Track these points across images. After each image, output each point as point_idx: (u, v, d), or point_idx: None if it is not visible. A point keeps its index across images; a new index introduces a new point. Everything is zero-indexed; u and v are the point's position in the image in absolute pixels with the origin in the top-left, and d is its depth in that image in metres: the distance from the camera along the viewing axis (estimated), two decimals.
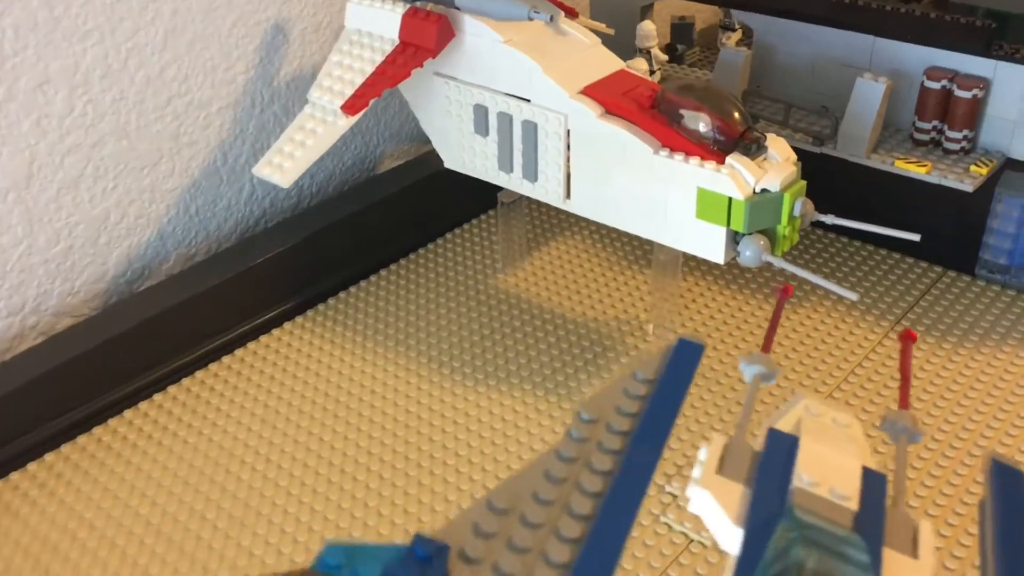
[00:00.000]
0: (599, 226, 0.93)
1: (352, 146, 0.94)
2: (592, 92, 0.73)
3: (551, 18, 0.70)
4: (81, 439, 0.71)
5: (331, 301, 0.84)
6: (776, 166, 0.67)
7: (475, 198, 0.83)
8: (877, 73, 0.81)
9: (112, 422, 0.72)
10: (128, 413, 0.73)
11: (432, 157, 0.82)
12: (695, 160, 0.67)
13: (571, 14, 0.87)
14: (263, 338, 0.80)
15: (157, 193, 0.79)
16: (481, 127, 0.78)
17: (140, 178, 0.78)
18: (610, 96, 0.72)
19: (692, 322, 0.82)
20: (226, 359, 0.78)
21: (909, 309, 0.82)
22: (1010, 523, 0.36)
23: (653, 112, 0.70)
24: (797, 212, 0.67)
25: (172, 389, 0.75)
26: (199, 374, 0.76)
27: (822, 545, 0.33)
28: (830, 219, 0.70)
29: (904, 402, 0.45)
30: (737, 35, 1.07)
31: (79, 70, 0.71)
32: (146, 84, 0.75)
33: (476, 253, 0.91)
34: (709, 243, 0.69)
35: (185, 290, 0.78)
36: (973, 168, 0.78)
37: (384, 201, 0.90)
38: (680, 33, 1.01)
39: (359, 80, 0.75)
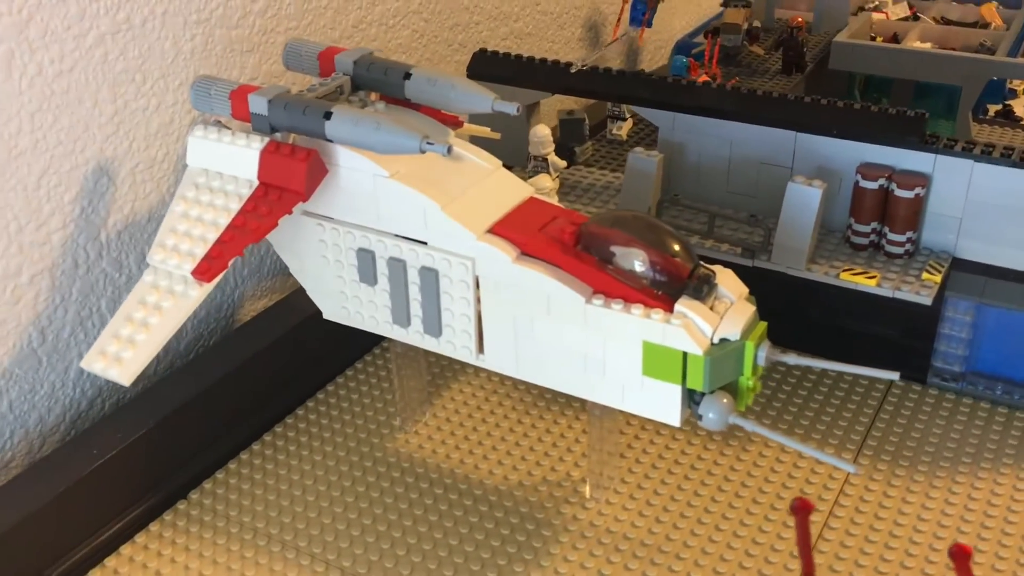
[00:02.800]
0: None
1: (223, 292, 0.78)
2: (502, 230, 0.60)
3: (448, 149, 0.57)
4: None
5: (193, 496, 0.68)
6: (733, 309, 0.56)
7: (361, 333, 0.69)
8: (803, 173, 0.72)
9: None
10: None
11: (302, 292, 0.68)
12: (638, 309, 0.56)
13: (455, 124, 0.75)
14: (109, 561, 0.63)
15: None
16: (368, 275, 0.65)
17: None
18: (525, 233, 0.60)
19: (634, 475, 0.70)
20: None
21: (869, 427, 0.73)
22: None
23: (578, 251, 0.59)
24: (760, 361, 0.57)
25: None
26: None
27: None
28: (793, 359, 0.60)
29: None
30: (628, 125, 0.98)
31: None
32: None
33: (368, 407, 0.77)
34: (661, 404, 0.58)
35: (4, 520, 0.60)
36: (926, 276, 0.70)
37: (252, 360, 0.74)
38: (570, 130, 0.91)
39: (212, 236, 0.60)
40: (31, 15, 0.61)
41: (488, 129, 0.82)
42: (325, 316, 0.69)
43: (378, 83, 0.66)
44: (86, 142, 0.66)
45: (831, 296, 0.72)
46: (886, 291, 0.70)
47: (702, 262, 0.58)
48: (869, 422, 0.74)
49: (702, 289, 0.57)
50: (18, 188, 0.63)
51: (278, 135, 0.62)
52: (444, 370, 0.80)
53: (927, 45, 1.27)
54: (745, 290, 0.59)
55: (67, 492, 0.62)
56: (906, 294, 0.69)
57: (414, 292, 0.63)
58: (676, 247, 0.58)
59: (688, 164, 0.80)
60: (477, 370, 0.80)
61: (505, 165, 0.67)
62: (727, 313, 0.56)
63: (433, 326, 0.64)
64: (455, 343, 0.64)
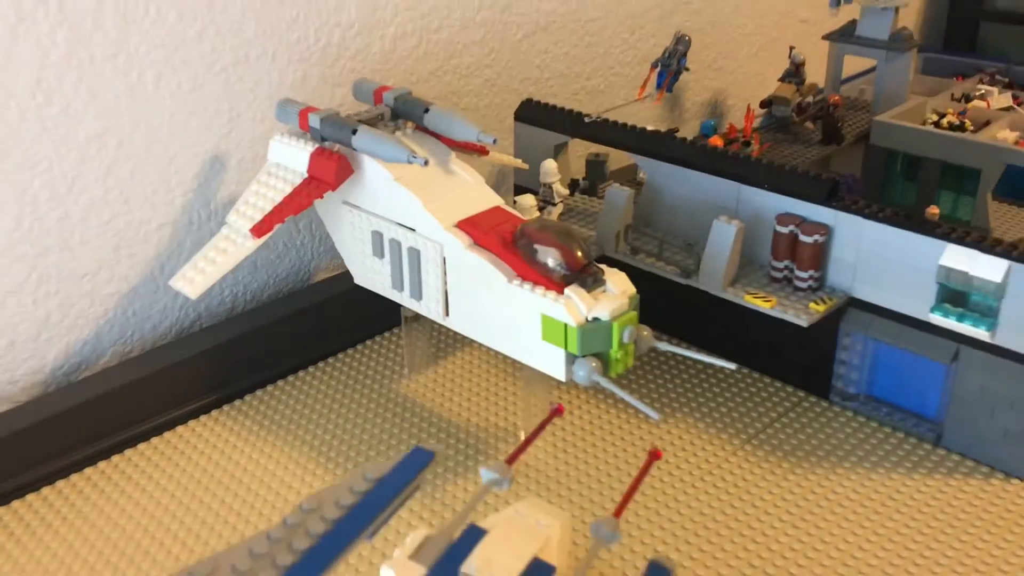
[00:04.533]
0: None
1: (287, 260, 1.05)
2: (464, 226, 0.83)
3: (425, 162, 0.81)
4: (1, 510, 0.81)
5: (247, 398, 0.95)
6: (609, 298, 0.76)
7: (391, 311, 0.93)
8: (738, 216, 0.91)
9: (29, 497, 0.82)
10: (45, 490, 0.83)
11: None
12: (540, 289, 0.77)
13: (481, 152, 0.99)
14: (168, 435, 0.90)
15: (97, 297, 0.91)
16: (378, 250, 0.89)
17: (81, 284, 0.90)
18: (479, 230, 0.83)
19: (560, 429, 0.90)
20: (141, 446, 0.88)
21: (763, 429, 0.90)
22: None
23: (513, 246, 0.81)
24: (627, 339, 0.76)
25: (88, 471, 0.85)
26: (115, 458, 0.86)
27: None
28: (664, 346, 0.79)
29: (619, 510, 0.53)
30: (557, 210, 1.17)
31: (27, 193, 0.83)
32: (90, 205, 0.88)
33: (388, 360, 1.01)
34: (552, 362, 0.78)
35: (114, 382, 0.88)
36: (812, 305, 0.87)
37: (308, 310, 1.01)
38: (594, 169, 1.12)
39: (269, 207, 0.87)
40: (177, 47, 0.90)
41: (518, 160, 1.06)
42: (355, 281, 0.94)
43: (408, 114, 0.91)
44: (207, 138, 0.95)
45: (739, 313, 0.89)
46: (776, 312, 0.87)
47: (596, 264, 0.79)
48: (764, 425, 0.91)
49: (587, 281, 0.77)
50: (157, 165, 0.92)
51: (326, 143, 0.88)
52: (441, 343, 1.04)
53: (1014, 135, 1.36)
54: (630, 289, 0.78)
55: (161, 372, 0.90)
56: (789, 316, 0.86)
57: (405, 265, 0.87)
58: (577, 251, 0.78)
59: (663, 202, 1.00)
60: (464, 345, 1.03)
61: (528, 188, 0.90)
62: (602, 300, 0.76)
63: (416, 292, 0.87)
64: (430, 306, 0.87)
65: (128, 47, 0.86)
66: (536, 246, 0.79)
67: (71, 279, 0.89)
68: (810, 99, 1.38)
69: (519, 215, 0.86)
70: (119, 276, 0.92)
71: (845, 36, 1.43)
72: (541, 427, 0.59)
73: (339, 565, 0.45)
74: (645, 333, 0.78)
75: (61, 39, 0.82)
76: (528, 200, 0.97)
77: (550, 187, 1.03)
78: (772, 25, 1.60)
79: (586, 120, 1.05)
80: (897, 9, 1.39)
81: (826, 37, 1.44)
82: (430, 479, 0.84)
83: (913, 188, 1.34)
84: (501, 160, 1.04)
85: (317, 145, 0.87)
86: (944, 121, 1.34)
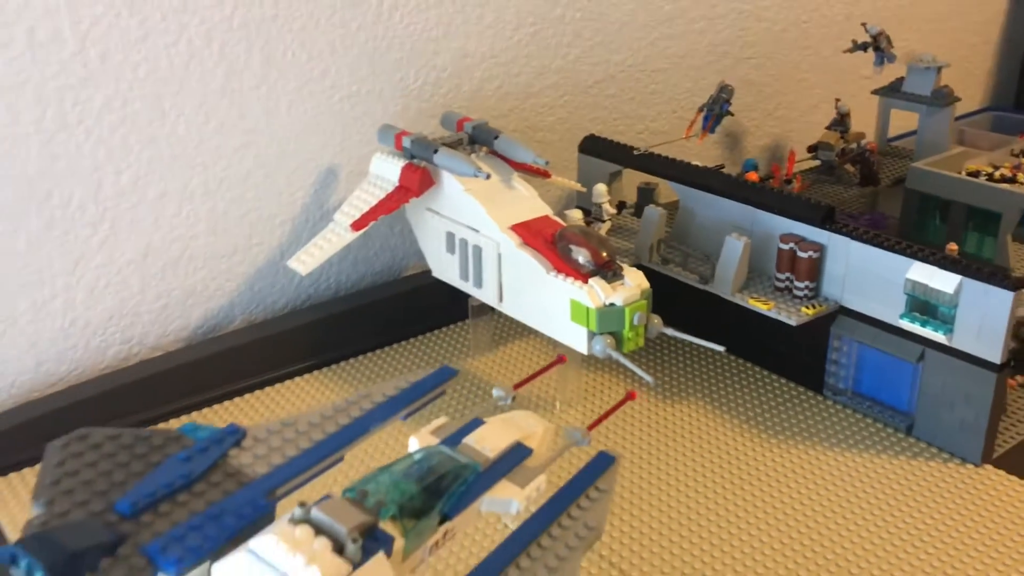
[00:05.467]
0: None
1: (382, 257, 1.28)
2: (517, 228, 1.04)
3: (487, 176, 1.03)
4: None
5: (340, 364, 1.17)
6: (624, 289, 0.96)
7: (461, 305, 1.15)
8: (751, 235, 1.08)
9: (171, 422, 1.07)
10: (173, 421, 1.07)
11: None
12: (570, 280, 0.97)
13: (544, 175, 1.20)
14: (278, 385, 1.13)
15: (230, 275, 1.16)
16: (450, 247, 1.11)
17: (220, 263, 1.14)
18: (528, 232, 1.03)
19: (589, 402, 1.09)
20: (248, 395, 1.11)
21: (757, 415, 1.07)
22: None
23: (552, 245, 1.01)
24: (636, 322, 0.95)
25: (205, 411, 1.09)
26: (236, 399, 1.10)
27: (453, 462, 0.62)
28: (670, 331, 0.98)
29: (591, 426, 0.72)
30: (606, 227, 1.36)
31: (188, 188, 1.09)
32: (232, 201, 1.13)
33: (457, 344, 1.22)
34: (577, 338, 0.98)
35: (240, 341, 1.13)
36: (803, 310, 1.04)
37: (395, 297, 1.23)
38: (643, 195, 1.32)
39: (367, 208, 1.09)
40: (305, 82, 1.14)
41: (576, 184, 1.27)
42: (433, 274, 1.16)
43: (482, 140, 1.13)
44: (324, 154, 1.19)
45: (746, 315, 1.07)
46: (773, 313, 1.04)
47: (617, 262, 0.98)
48: (759, 412, 1.07)
49: (608, 275, 0.96)
50: (284, 172, 1.16)
51: (414, 160, 1.11)
52: (504, 330, 1.24)
53: None
54: (644, 284, 0.97)
55: (275, 336, 1.14)
56: (781, 316, 1.03)
57: (470, 259, 1.08)
58: (603, 251, 0.98)
59: (693, 222, 1.18)
60: (524, 333, 1.23)
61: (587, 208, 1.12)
62: (618, 290, 0.96)
63: (478, 281, 1.08)
64: (488, 293, 1.08)
65: (268, 80, 1.11)
66: (571, 246, 0.99)
67: (214, 258, 1.14)
68: (854, 145, 1.54)
69: (561, 222, 1.06)
70: (249, 259, 1.17)
71: (892, 91, 1.59)
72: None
73: (378, 435, 0.65)
74: (656, 320, 0.97)
75: (220, 73, 1.07)
76: (575, 214, 1.17)
77: (600, 207, 1.23)
78: (833, 80, 1.76)
79: (634, 152, 1.25)
80: (940, 68, 1.54)
81: (875, 92, 1.60)
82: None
83: (944, 229, 1.48)
84: (562, 183, 1.25)
85: (407, 161, 1.10)
86: (997, 173, 1.47)
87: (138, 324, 1.10)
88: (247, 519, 0.54)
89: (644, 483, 0.96)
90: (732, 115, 1.36)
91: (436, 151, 1.07)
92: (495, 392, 0.74)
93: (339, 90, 1.17)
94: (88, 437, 0.59)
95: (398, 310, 1.22)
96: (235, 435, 0.61)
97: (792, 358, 1.11)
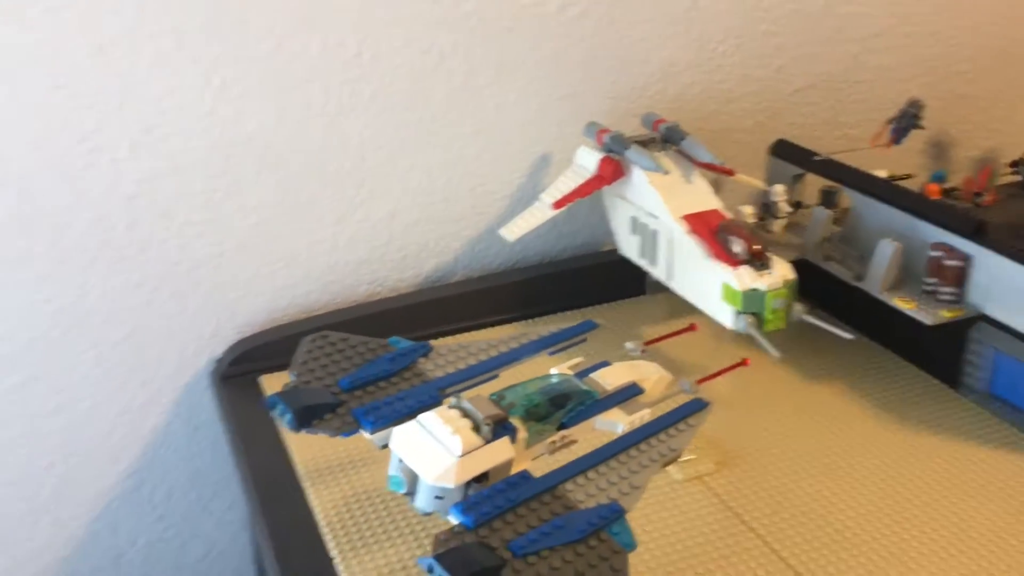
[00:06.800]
0: None
1: (582, 234, 1.50)
2: (688, 217, 1.22)
3: (666, 172, 1.22)
4: None
5: (530, 320, 1.40)
6: (769, 277, 1.11)
7: (639, 280, 1.34)
8: (913, 244, 1.20)
9: None
10: None
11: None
12: (725, 265, 1.14)
13: (728, 173, 1.37)
14: (486, 329, 1.37)
15: (457, 237, 1.42)
16: (633, 230, 1.31)
17: (448, 226, 1.41)
18: (697, 221, 1.21)
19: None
20: (459, 335, 1.36)
21: (885, 405, 1.19)
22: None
23: (715, 234, 1.18)
24: (776, 306, 1.11)
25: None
26: (441, 339, 1.36)
27: (577, 388, 0.83)
28: (809, 318, 1.13)
29: (701, 381, 0.91)
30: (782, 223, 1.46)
31: (429, 164, 1.36)
32: (462, 176, 1.39)
33: (635, 311, 1.42)
34: (725, 315, 1.15)
35: (460, 290, 1.39)
36: (943, 312, 1.14)
37: (589, 268, 1.45)
38: (826, 197, 1.44)
39: (567, 191, 1.32)
40: (530, 81, 1.38)
41: (759, 182, 1.42)
42: (619, 252, 1.36)
43: (672, 140, 1.31)
44: (541, 143, 1.42)
45: (892, 312, 1.19)
46: (915, 312, 1.15)
47: (767, 254, 1.14)
48: (894, 398, 1.19)
49: (757, 264, 1.13)
50: (507, 157, 1.40)
51: (611, 154, 1.31)
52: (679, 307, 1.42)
53: None
54: (790, 275, 1.12)
55: (484, 290, 1.39)
56: (920, 315, 1.14)
57: (648, 241, 1.28)
58: (755, 243, 1.14)
59: (859, 224, 1.31)
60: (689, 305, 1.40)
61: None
62: (764, 277, 1.12)
63: (653, 260, 1.28)
64: (660, 271, 1.27)
65: (500, 80, 1.35)
66: (729, 236, 1.16)
67: (445, 222, 1.41)
68: None
69: (728, 215, 1.23)
70: (472, 225, 1.42)
71: None
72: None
73: (529, 363, 0.88)
74: (798, 307, 1.13)
75: (461, 73, 1.33)
76: (747, 210, 1.33)
77: (776, 204, 1.38)
78: None
79: (814, 158, 1.38)
80: None
81: None
82: None
83: None
84: (746, 180, 1.40)
85: (605, 155, 1.31)
86: None
87: (382, 269, 1.39)
88: (423, 404, 0.78)
89: (761, 448, 1.12)
90: (922, 128, 1.44)
91: (628, 148, 1.27)
92: (627, 345, 0.94)
93: (558, 90, 1.40)
94: (328, 336, 0.86)
95: (588, 279, 1.44)
96: (424, 349, 0.86)
97: (931, 354, 1.22)
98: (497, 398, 0.78)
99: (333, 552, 0.85)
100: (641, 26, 1.41)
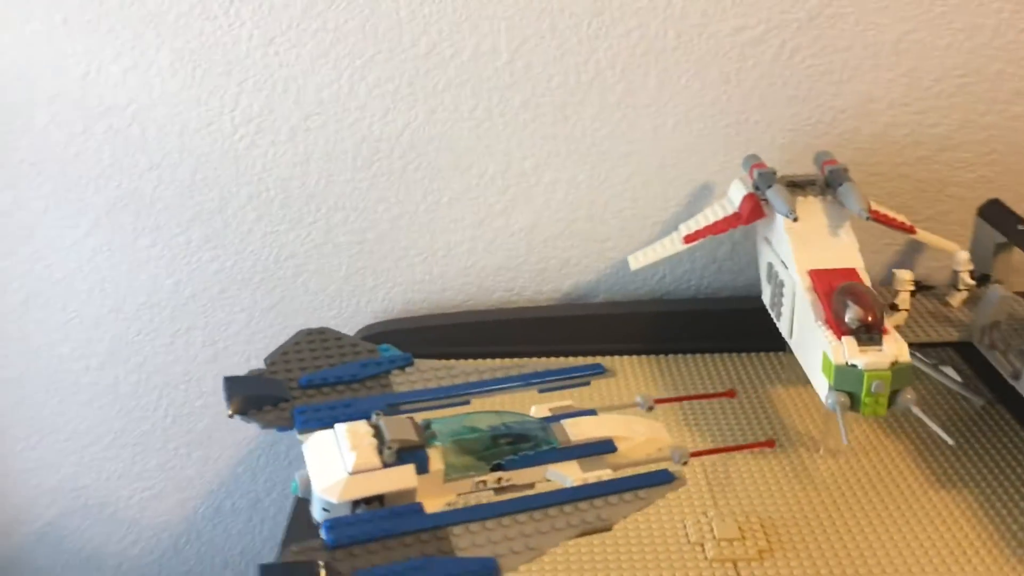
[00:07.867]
0: None
1: (747, 274, 1.38)
2: (814, 273, 1.08)
3: (795, 219, 1.09)
4: None
5: (654, 357, 1.31)
6: (873, 354, 0.96)
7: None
8: None
9: None
10: (514, 360, 1.33)
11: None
12: (829, 332, 1.00)
13: (910, 231, 1.19)
14: (610, 358, 1.32)
15: (601, 258, 1.37)
16: (768, 278, 1.18)
17: (593, 245, 1.37)
18: (821, 279, 1.07)
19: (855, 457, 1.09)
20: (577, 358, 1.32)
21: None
22: None
23: (831, 296, 1.04)
24: (874, 390, 0.95)
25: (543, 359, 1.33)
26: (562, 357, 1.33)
27: (536, 432, 0.78)
28: (916, 411, 0.95)
29: (699, 455, 0.81)
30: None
31: (575, 180, 1.33)
32: (612, 197, 1.34)
33: (754, 370, 1.29)
34: (821, 387, 1.01)
35: (590, 311, 1.35)
36: None
37: (730, 312, 1.34)
38: None
39: (703, 226, 1.22)
40: (693, 106, 1.29)
41: (945, 242, 1.22)
42: (761, 297, 1.24)
43: (834, 185, 1.17)
44: (702, 172, 1.32)
45: None
46: None
47: (879, 327, 0.97)
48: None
49: (863, 337, 0.97)
50: (660, 182, 1.33)
51: (757, 191, 1.19)
52: None
53: None
54: (901, 355, 0.96)
55: (616, 316, 1.34)
56: None
57: (776, 292, 1.15)
58: (869, 315, 0.98)
59: None
60: None
61: None
62: (868, 354, 0.96)
63: (779, 314, 1.15)
64: (785, 327, 1.14)
65: (660, 101, 1.29)
66: (847, 301, 1.01)
67: (589, 240, 1.37)
68: None
69: (865, 276, 1.07)
70: (619, 247, 1.37)
71: None
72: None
73: (512, 396, 0.84)
74: (909, 395, 0.96)
75: (618, 90, 1.28)
76: (905, 275, 1.14)
77: (957, 274, 1.17)
78: None
79: (1020, 227, 1.16)
80: None
81: None
82: None
83: None
84: (932, 240, 1.21)
85: (749, 191, 1.19)
86: None
87: (519, 279, 1.39)
88: (363, 415, 0.78)
89: (824, 541, 0.96)
90: None
91: (770, 186, 1.15)
92: (637, 398, 0.86)
93: (727, 117, 1.30)
94: (323, 333, 0.88)
95: (732, 324, 1.32)
96: (405, 360, 0.85)
97: None
98: (423, 425, 0.75)
99: None
100: (833, 56, 1.27)
